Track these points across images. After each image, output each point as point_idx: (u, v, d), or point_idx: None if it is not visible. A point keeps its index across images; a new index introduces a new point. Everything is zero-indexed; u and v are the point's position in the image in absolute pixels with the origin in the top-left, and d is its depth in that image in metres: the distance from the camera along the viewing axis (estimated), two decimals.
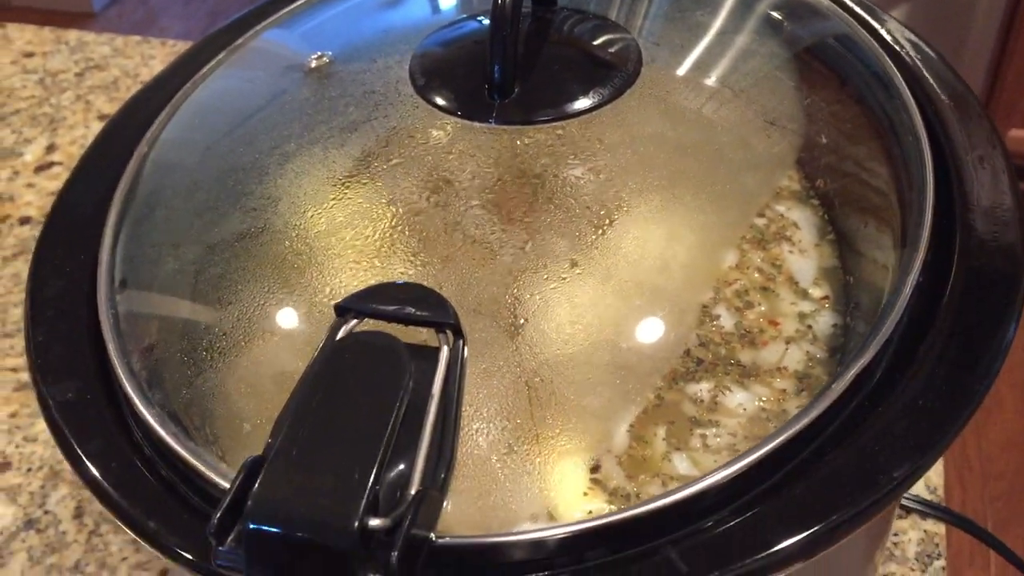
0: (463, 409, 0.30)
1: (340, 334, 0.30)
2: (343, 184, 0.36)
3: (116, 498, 0.30)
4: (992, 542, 0.50)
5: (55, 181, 0.78)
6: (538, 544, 0.28)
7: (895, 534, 0.53)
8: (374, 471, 0.26)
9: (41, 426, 0.61)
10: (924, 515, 0.53)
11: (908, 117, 0.41)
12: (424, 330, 0.31)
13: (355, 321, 0.30)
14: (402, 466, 0.28)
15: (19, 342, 0.66)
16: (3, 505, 0.57)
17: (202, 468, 0.30)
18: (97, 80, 0.86)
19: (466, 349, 0.30)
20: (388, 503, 0.27)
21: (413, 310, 0.30)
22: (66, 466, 0.58)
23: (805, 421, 0.31)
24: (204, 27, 2.29)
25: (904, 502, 0.53)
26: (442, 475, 0.28)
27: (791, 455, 0.31)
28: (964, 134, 0.41)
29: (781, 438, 0.31)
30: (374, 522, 0.26)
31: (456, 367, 0.29)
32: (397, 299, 0.30)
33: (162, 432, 0.31)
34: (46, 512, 0.57)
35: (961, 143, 0.41)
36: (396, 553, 0.25)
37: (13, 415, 0.61)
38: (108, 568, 0.54)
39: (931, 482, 0.55)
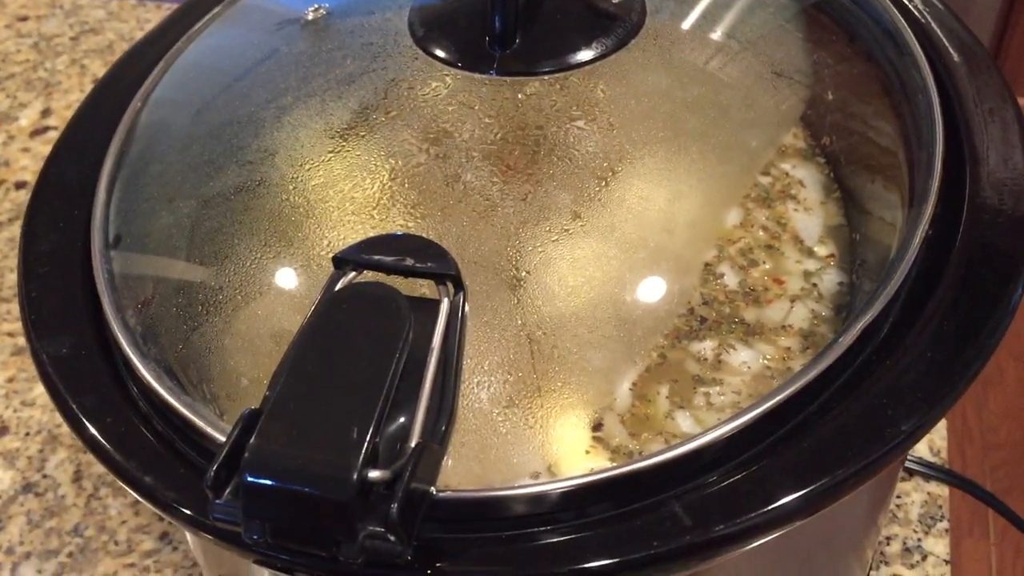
0: (464, 362, 0.29)
1: (339, 286, 0.29)
2: (341, 136, 0.35)
3: (112, 453, 0.30)
4: (994, 503, 0.50)
5: (50, 145, 0.77)
6: (541, 498, 0.28)
7: (898, 496, 0.53)
8: (373, 423, 0.25)
9: (39, 391, 0.60)
10: (927, 477, 0.53)
11: (917, 71, 0.40)
12: (424, 283, 0.30)
13: (354, 273, 0.30)
14: (402, 419, 0.27)
15: (16, 307, 0.65)
16: (1, 469, 0.57)
17: (198, 422, 0.29)
18: (92, 44, 0.85)
19: (467, 302, 0.30)
20: (388, 456, 0.26)
21: (413, 261, 0.29)
22: (64, 430, 0.58)
23: (811, 375, 0.31)
24: None
25: (908, 464, 0.53)
26: (443, 428, 0.27)
27: (797, 410, 0.30)
28: (974, 87, 0.40)
29: (787, 392, 0.30)
30: (373, 474, 0.25)
31: (456, 319, 0.29)
32: (396, 250, 0.30)
33: (158, 386, 0.30)
34: (44, 476, 0.56)
35: (971, 96, 0.40)
36: (396, 505, 0.25)
37: (10, 380, 0.61)
38: (107, 531, 0.54)
39: (935, 445, 0.55)
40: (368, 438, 0.25)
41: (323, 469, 0.25)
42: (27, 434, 0.58)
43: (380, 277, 0.30)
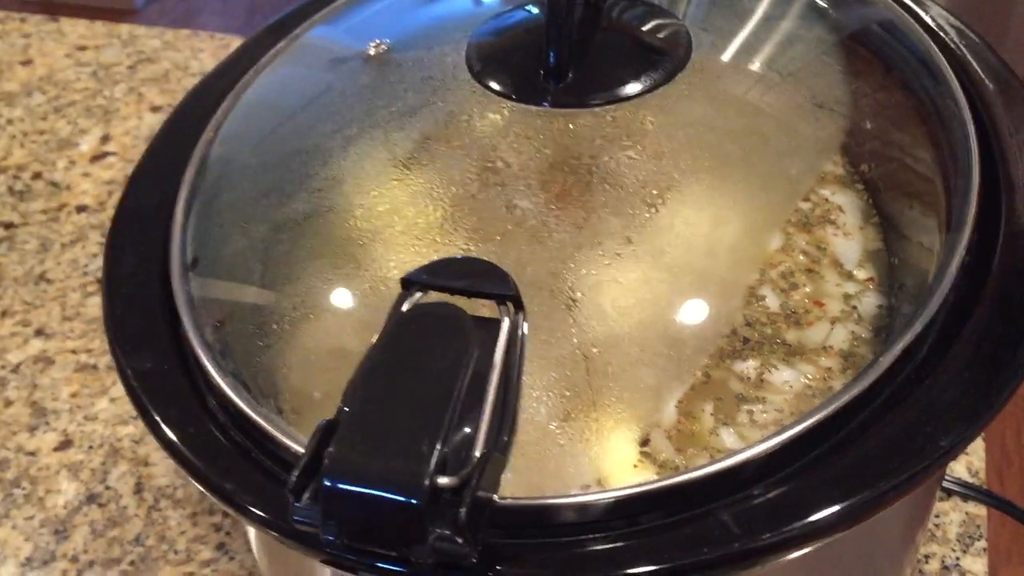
0: (523, 378, 0.31)
1: (406, 306, 0.31)
2: (404, 166, 0.37)
3: (194, 461, 0.32)
4: None
5: (110, 170, 0.80)
6: (594, 506, 0.30)
7: (937, 516, 0.54)
8: (442, 433, 0.27)
9: (101, 405, 0.63)
10: (966, 497, 0.54)
11: (953, 100, 0.42)
12: (485, 303, 0.32)
13: (420, 294, 0.32)
14: (467, 430, 0.29)
15: (79, 325, 0.68)
16: (66, 481, 0.59)
17: (274, 432, 0.31)
18: (149, 72, 0.88)
19: (526, 321, 0.32)
20: (455, 464, 0.28)
21: (475, 283, 0.31)
22: (125, 443, 0.61)
23: (852, 393, 0.32)
24: (242, 23, 2.33)
25: (946, 484, 0.54)
26: (505, 439, 0.29)
27: (839, 426, 0.32)
28: (1009, 117, 0.42)
29: (829, 409, 0.32)
30: (443, 480, 0.27)
31: (516, 337, 0.31)
32: (459, 273, 0.32)
33: (236, 398, 0.32)
34: (107, 487, 0.59)
35: (1006, 125, 0.41)
36: (464, 510, 0.26)
37: (74, 395, 0.64)
38: (167, 541, 0.56)
39: (973, 466, 0.56)
40: (438, 447, 0.27)
41: (398, 475, 0.27)
42: (90, 447, 0.61)
43: (444, 298, 0.32)
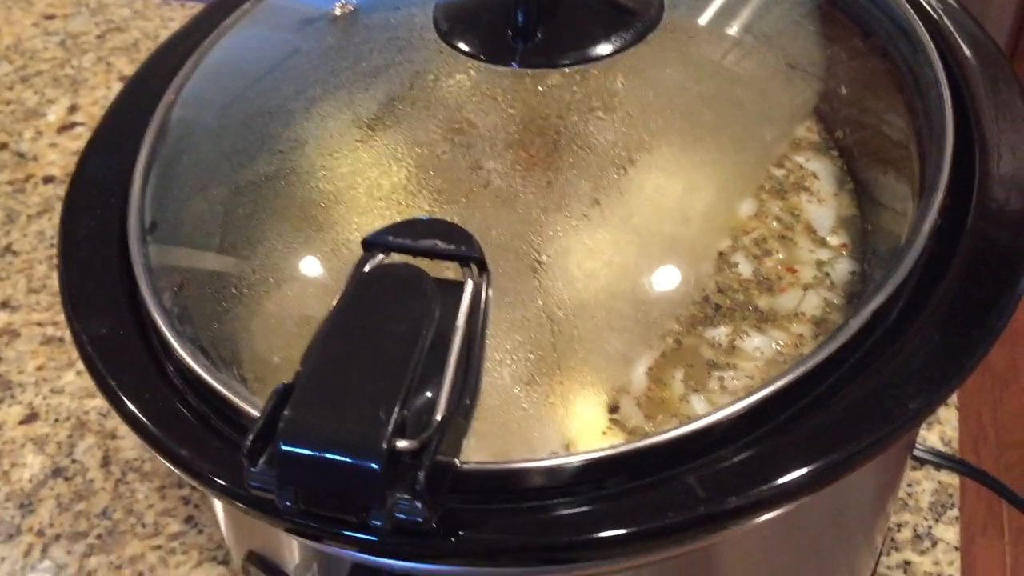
0: (487, 341, 0.30)
1: (367, 268, 0.30)
2: (368, 127, 0.36)
3: (150, 428, 0.31)
4: (1004, 492, 0.51)
5: (78, 141, 0.78)
6: (559, 470, 0.29)
7: (909, 485, 0.54)
8: (401, 395, 0.27)
9: (68, 378, 0.62)
10: (938, 466, 0.54)
11: (930, 66, 0.41)
12: (449, 266, 0.32)
13: (382, 256, 0.31)
14: (428, 394, 0.29)
15: (45, 298, 0.67)
16: (31, 454, 0.58)
17: (232, 398, 0.31)
18: (118, 42, 0.87)
19: (490, 284, 0.31)
20: (415, 428, 0.28)
21: (439, 244, 0.31)
22: (92, 416, 0.60)
23: (821, 356, 0.32)
24: None
25: (919, 454, 0.54)
26: (467, 402, 0.29)
27: (808, 389, 0.31)
28: (986, 82, 0.41)
29: (798, 372, 0.31)
30: (402, 444, 0.26)
31: (480, 300, 0.30)
32: (423, 234, 0.31)
33: (193, 364, 0.32)
34: (74, 461, 0.58)
35: (983, 90, 0.41)
36: (423, 473, 0.26)
37: (40, 368, 0.63)
38: (135, 514, 0.55)
39: (946, 435, 0.56)
40: (396, 409, 0.26)
41: (354, 438, 0.26)
42: (56, 420, 0.60)
43: (407, 260, 0.31)
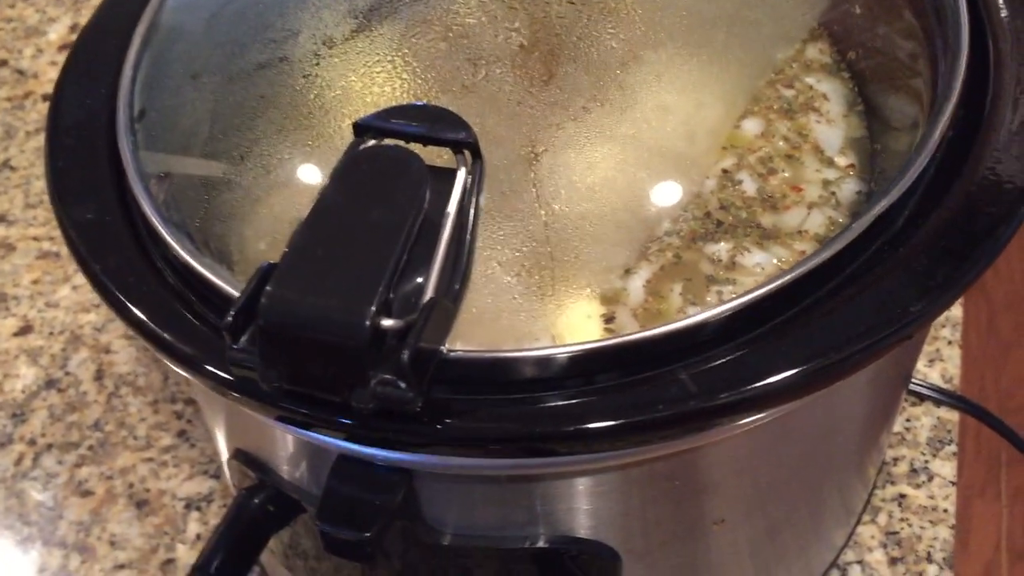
0: (479, 230, 0.30)
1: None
2: (364, 17, 0.35)
3: (133, 311, 0.31)
4: (1002, 428, 0.50)
5: None
6: (549, 361, 0.28)
7: (908, 420, 0.53)
8: (387, 275, 0.26)
9: (63, 292, 0.62)
10: (938, 403, 0.53)
11: None
12: (443, 155, 0.31)
13: (374, 142, 0.30)
14: (417, 279, 0.28)
15: (42, 212, 0.66)
16: (25, 366, 0.58)
17: (217, 282, 0.30)
18: None
19: (483, 172, 0.30)
20: (402, 311, 0.27)
21: (431, 129, 0.30)
22: (87, 330, 0.59)
23: (821, 258, 0.31)
24: None
25: (919, 388, 0.53)
26: (456, 287, 0.28)
27: (807, 292, 0.31)
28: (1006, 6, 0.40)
29: (795, 272, 0.30)
30: (386, 322, 0.26)
31: (474, 187, 0.29)
32: (417, 119, 0.30)
33: (178, 248, 0.31)
34: (67, 373, 0.57)
35: (999, 15, 0.39)
36: (407, 352, 0.25)
37: (35, 281, 0.62)
38: (127, 427, 0.55)
39: (947, 372, 0.55)
40: (381, 287, 0.26)
41: (337, 314, 0.25)
42: (50, 333, 0.59)
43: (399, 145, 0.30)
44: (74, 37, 0.79)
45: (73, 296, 0.61)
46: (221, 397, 0.31)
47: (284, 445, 0.34)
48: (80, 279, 0.62)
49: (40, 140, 0.71)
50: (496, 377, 0.28)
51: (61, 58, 0.78)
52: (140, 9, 0.40)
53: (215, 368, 0.29)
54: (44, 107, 0.74)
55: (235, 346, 0.26)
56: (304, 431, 0.29)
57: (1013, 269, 1.60)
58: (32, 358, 0.58)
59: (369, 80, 0.34)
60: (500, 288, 0.30)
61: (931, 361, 0.55)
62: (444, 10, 0.35)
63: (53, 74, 0.76)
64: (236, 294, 0.30)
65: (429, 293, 0.27)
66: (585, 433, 0.27)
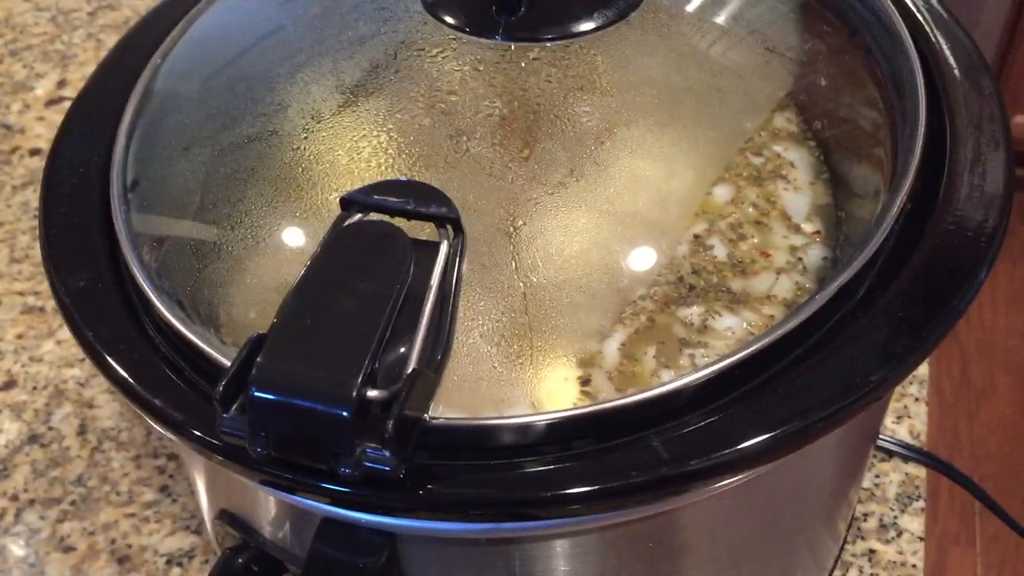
0: (460, 301, 0.31)
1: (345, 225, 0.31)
2: (351, 92, 0.37)
3: (125, 378, 0.32)
4: (970, 486, 0.52)
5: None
6: (527, 428, 0.29)
7: (877, 476, 0.55)
8: (373, 347, 0.27)
9: (47, 347, 0.62)
10: (906, 459, 0.55)
11: (907, 62, 0.42)
12: (426, 228, 0.32)
13: (360, 215, 0.31)
14: (401, 349, 0.29)
15: (27, 267, 0.67)
16: (8, 420, 0.58)
17: (207, 350, 0.31)
18: (109, 19, 0.87)
19: (465, 246, 0.31)
20: (386, 381, 0.28)
21: (415, 204, 0.31)
22: (70, 385, 0.60)
23: (787, 327, 0.32)
24: None
25: (887, 444, 0.55)
26: (438, 358, 0.29)
27: (773, 361, 0.32)
28: (962, 81, 0.42)
29: (762, 342, 0.32)
30: (372, 393, 0.27)
31: (455, 260, 0.31)
32: (401, 194, 0.31)
33: (169, 316, 0.32)
34: (50, 428, 0.58)
35: (957, 89, 0.41)
36: (392, 422, 0.26)
37: (20, 336, 0.63)
38: (109, 482, 0.55)
39: (915, 429, 0.57)
40: (367, 360, 0.27)
41: (325, 385, 0.26)
42: (34, 388, 0.60)
43: (384, 219, 0.32)
44: (62, 92, 0.81)
45: (57, 351, 0.62)
46: (208, 460, 0.32)
47: (269, 507, 0.34)
48: (64, 334, 0.63)
49: (26, 195, 0.72)
50: (476, 443, 0.30)
51: (48, 113, 0.79)
52: (134, 77, 0.41)
53: (204, 434, 0.30)
54: (31, 162, 0.75)
55: (225, 415, 0.27)
56: (290, 495, 0.30)
57: (984, 318, 1.63)
58: (15, 413, 0.59)
59: (355, 154, 0.35)
60: (480, 357, 0.32)
61: (899, 418, 0.57)
62: (428, 87, 0.37)
63: (40, 129, 0.78)
64: (226, 362, 0.31)
65: (412, 363, 0.28)
66: (562, 499, 0.29)
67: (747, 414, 0.30)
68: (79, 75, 0.82)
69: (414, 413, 0.28)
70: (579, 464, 0.29)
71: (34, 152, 0.76)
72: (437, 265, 0.30)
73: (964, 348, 1.61)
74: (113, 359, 0.32)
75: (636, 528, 0.33)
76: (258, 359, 0.27)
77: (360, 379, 0.26)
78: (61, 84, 0.81)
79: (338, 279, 0.29)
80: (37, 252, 0.68)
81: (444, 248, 0.31)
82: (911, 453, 0.54)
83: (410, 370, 0.28)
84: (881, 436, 0.54)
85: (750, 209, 0.42)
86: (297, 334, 0.28)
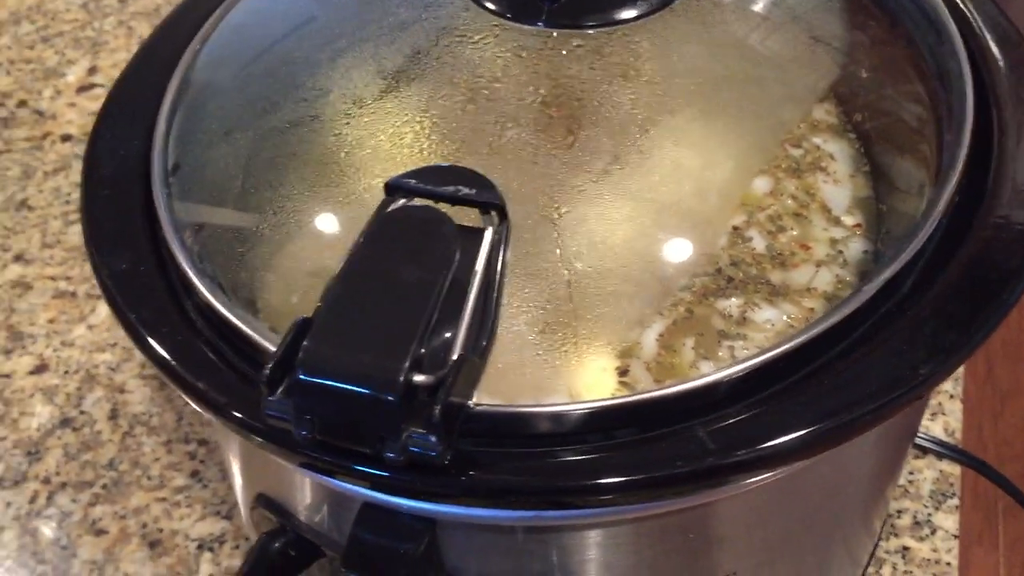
0: (504, 288, 0.31)
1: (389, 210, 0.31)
2: (393, 78, 0.37)
3: (168, 361, 0.32)
4: (1003, 483, 0.51)
5: (96, 102, 0.79)
6: (570, 417, 0.29)
7: (911, 473, 0.54)
8: (419, 332, 0.27)
9: (79, 331, 0.62)
10: (940, 456, 0.54)
11: (954, 54, 0.41)
12: (471, 214, 0.32)
13: (404, 200, 0.31)
14: (447, 335, 0.29)
15: (59, 252, 0.67)
16: (40, 404, 0.59)
17: (250, 333, 0.31)
18: (140, 7, 0.87)
19: (509, 232, 0.31)
20: (432, 366, 0.28)
21: (460, 190, 0.31)
22: (102, 370, 0.60)
23: (833, 320, 0.32)
24: None
25: (921, 442, 0.54)
26: (483, 344, 0.29)
27: (819, 353, 0.32)
28: (1009, 72, 0.41)
29: (808, 334, 0.32)
30: (418, 378, 0.27)
31: (500, 246, 0.30)
32: (446, 180, 0.31)
33: (212, 299, 0.32)
34: (82, 412, 0.58)
35: (1004, 81, 0.41)
36: (439, 407, 0.26)
37: (51, 321, 0.63)
38: (141, 467, 0.56)
39: (950, 426, 0.56)
40: (414, 345, 0.27)
41: (373, 370, 0.26)
42: (66, 372, 0.60)
43: (428, 204, 0.31)
44: (92, 79, 0.81)
45: (88, 335, 0.62)
46: (245, 443, 0.32)
47: (307, 492, 0.34)
48: (96, 318, 0.63)
49: (58, 181, 0.72)
50: (520, 431, 0.29)
51: (79, 100, 0.79)
52: (173, 62, 0.41)
53: (248, 417, 0.30)
54: (62, 148, 0.75)
55: (271, 397, 0.27)
56: (333, 479, 0.30)
57: (1010, 317, 1.62)
58: (47, 396, 0.59)
59: (397, 140, 0.35)
60: (524, 344, 0.31)
61: (933, 415, 0.56)
62: (470, 73, 0.37)
63: (71, 115, 0.78)
64: (269, 346, 0.31)
65: (458, 349, 0.28)
66: (605, 487, 0.28)
67: (793, 406, 0.30)
68: (110, 62, 0.82)
69: (459, 399, 0.28)
70: (622, 453, 0.29)
71: (65, 138, 0.76)
72: (482, 251, 0.30)
73: (989, 347, 1.60)
74: (156, 341, 0.32)
75: (674, 520, 0.33)
76: (305, 343, 0.27)
77: (407, 364, 0.26)
78: (92, 71, 0.81)
79: (383, 264, 0.28)
80: (69, 237, 0.68)
81: (489, 234, 0.30)
82: (945, 450, 0.54)
83: (455, 356, 0.28)
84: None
85: (789, 201, 0.42)
86: (343, 318, 0.27)
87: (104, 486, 0.55)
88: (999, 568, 1.39)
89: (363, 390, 0.26)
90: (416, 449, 0.27)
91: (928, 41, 0.43)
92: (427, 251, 0.29)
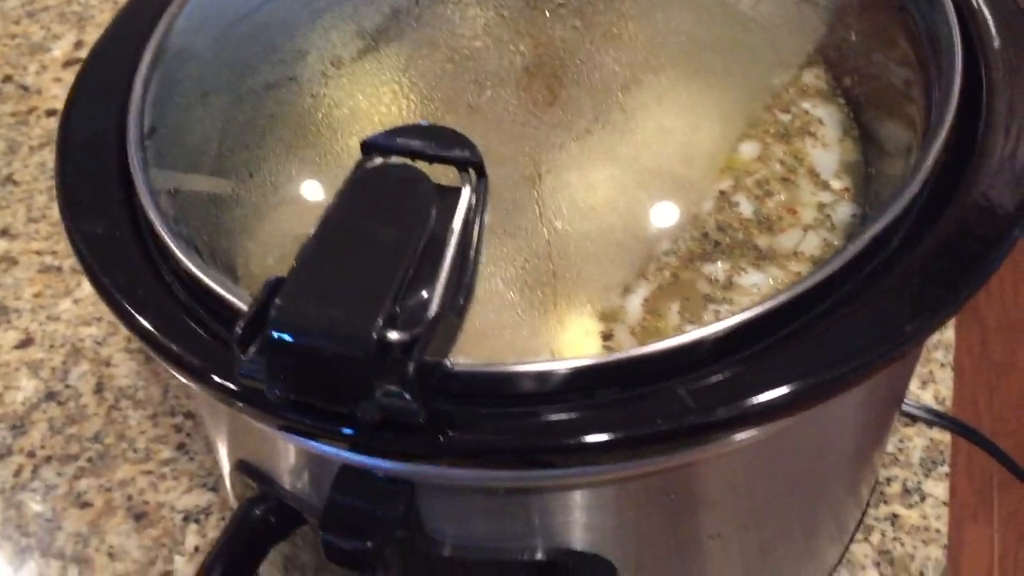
0: (483, 247, 0.30)
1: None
2: (372, 38, 0.36)
3: (143, 324, 0.31)
4: (994, 451, 0.51)
5: None
6: (550, 376, 0.29)
7: (901, 440, 0.54)
8: (393, 289, 0.27)
9: (64, 306, 0.62)
10: (930, 424, 0.54)
11: (944, 17, 0.40)
12: (448, 174, 0.31)
13: (380, 159, 0.31)
14: (423, 294, 0.28)
15: (44, 227, 0.67)
16: (25, 378, 0.58)
17: (225, 294, 0.31)
18: None
19: (487, 190, 0.31)
20: (407, 325, 0.27)
21: (437, 148, 0.30)
22: (87, 344, 0.60)
23: (817, 278, 0.31)
24: None
25: (911, 410, 0.54)
26: (460, 302, 0.28)
27: (803, 311, 0.31)
28: (1000, 37, 0.41)
29: (792, 292, 0.31)
30: (392, 335, 0.26)
31: (479, 204, 0.30)
32: (423, 138, 0.31)
33: (187, 262, 0.32)
34: (67, 386, 0.58)
35: (995, 45, 0.40)
36: (413, 364, 0.26)
37: (37, 295, 0.63)
38: (126, 439, 0.55)
39: (940, 394, 0.56)
40: (388, 301, 0.26)
41: (344, 326, 0.26)
42: (51, 346, 0.60)
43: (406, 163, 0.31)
44: (78, 54, 0.80)
45: (74, 309, 0.62)
46: (225, 408, 0.31)
47: (287, 456, 0.34)
48: (81, 292, 0.63)
49: (43, 156, 0.72)
50: (498, 390, 0.29)
51: (65, 74, 0.79)
52: (150, 28, 0.41)
53: (222, 379, 0.29)
54: (48, 123, 0.74)
55: (243, 357, 0.27)
56: (308, 441, 0.30)
57: (1005, 292, 1.61)
58: (33, 370, 0.59)
59: (376, 100, 0.35)
60: (503, 304, 0.31)
61: (924, 383, 0.56)
62: (450, 32, 0.36)
63: (57, 90, 0.77)
64: (244, 307, 0.31)
65: (434, 308, 0.28)
66: (586, 446, 0.28)
67: (776, 364, 0.30)
68: (95, 36, 0.81)
69: (435, 357, 0.27)
70: (603, 412, 0.29)
71: (51, 113, 0.75)
72: (459, 210, 0.29)
73: (984, 323, 1.60)
74: (131, 306, 0.32)
75: (656, 481, 0.33)
76: (276, 300, 0.26)
77: (380, 320, 0.26)
78: (78, 45, 0.81)
79: (358, 222, 0.28)
80: (54, 212, 0.67)
81: (466, 193, 0.30)
82: (936, 418, 0.53)
83: (431, 314, 0.28)
84: (906, 401, 0.53)
85: (777, 166, 0.41)
86: (316, 276, 0.27)
87: (89, 459, 0.54)
88: (994, 544, 1.40)
89: (335, 347, 0.26)
90: (390, 407, 0.26)
91: (918, 2, 0.43)
92: (403, 209, 0.28)
